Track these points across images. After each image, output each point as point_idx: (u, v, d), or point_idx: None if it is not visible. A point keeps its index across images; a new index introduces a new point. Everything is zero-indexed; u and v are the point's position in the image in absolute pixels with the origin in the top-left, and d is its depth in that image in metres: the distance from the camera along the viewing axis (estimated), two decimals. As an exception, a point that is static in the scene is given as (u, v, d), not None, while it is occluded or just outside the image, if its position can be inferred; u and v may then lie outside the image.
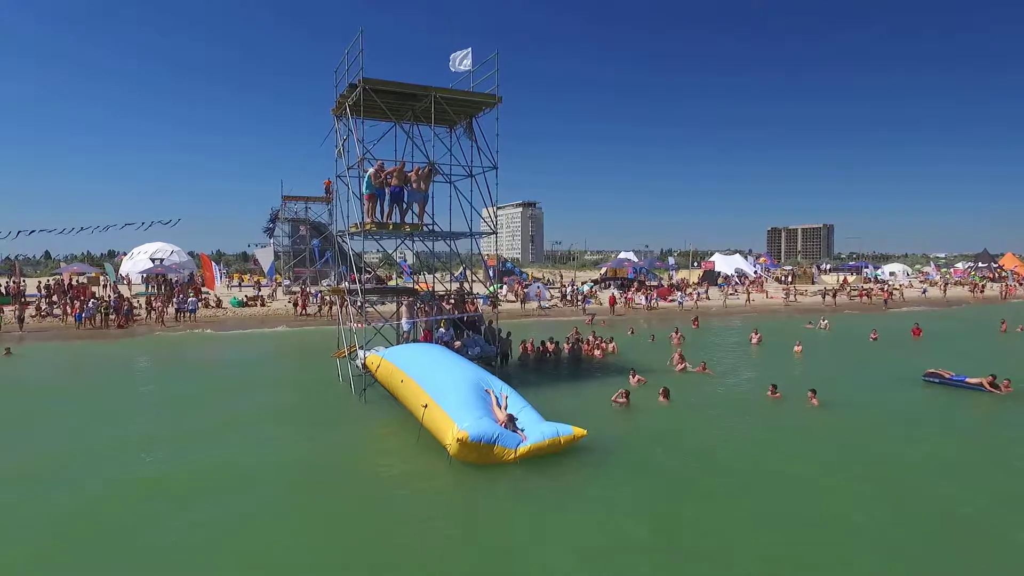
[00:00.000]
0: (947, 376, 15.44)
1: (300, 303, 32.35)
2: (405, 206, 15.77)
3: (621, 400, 13.51)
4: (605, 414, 12.85)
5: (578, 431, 9.89)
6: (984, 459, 10.33)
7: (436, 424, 10.19)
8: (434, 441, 10.37)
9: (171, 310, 30.12)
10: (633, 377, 15.73)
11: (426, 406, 10.59)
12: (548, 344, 19.33)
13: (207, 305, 32.48)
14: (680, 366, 17.68)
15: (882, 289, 46.77)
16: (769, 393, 14.32)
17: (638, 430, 11.78)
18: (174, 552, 7.14)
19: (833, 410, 13.09)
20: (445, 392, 10.67)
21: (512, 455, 9.30)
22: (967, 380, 15.01)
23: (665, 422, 12.42)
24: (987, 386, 14.59)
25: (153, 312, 29.01)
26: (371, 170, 14.94)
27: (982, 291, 50.31)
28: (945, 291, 49.71)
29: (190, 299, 31.10)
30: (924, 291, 48.77)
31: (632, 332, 25.10)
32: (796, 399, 13.89)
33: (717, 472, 9.52)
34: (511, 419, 9.97)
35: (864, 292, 45.46)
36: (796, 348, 21.42)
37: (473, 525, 8.01)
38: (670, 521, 7.87)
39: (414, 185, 15.53)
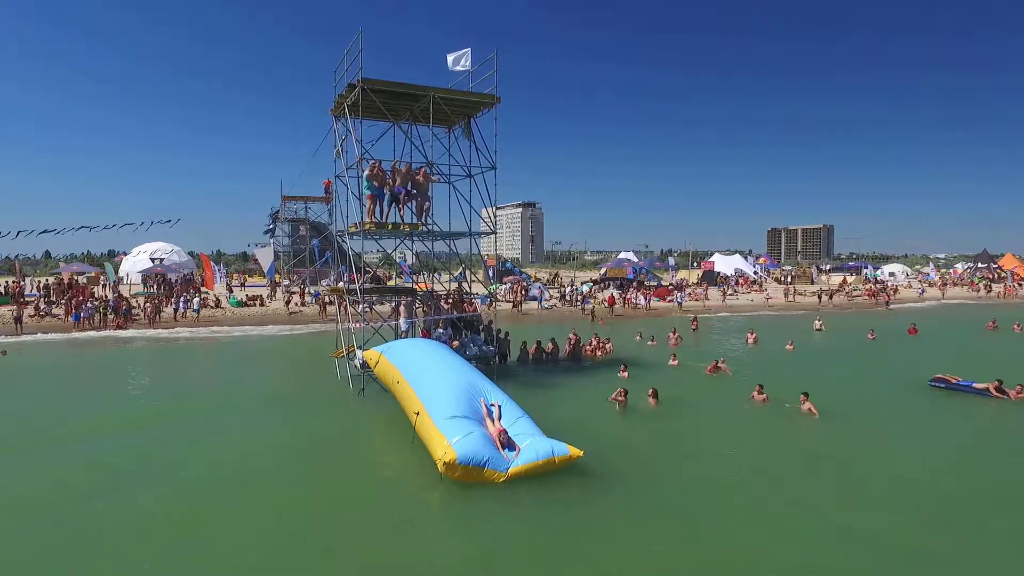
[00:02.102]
0: (953, 381, 15.05)
1: (290, 300, 32.68)
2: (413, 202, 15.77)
3: (620, 399, 13.38)
4: (601, 417, 12.74)
5: (574, 451, 9.38)
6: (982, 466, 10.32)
7: (427, 435, 9.95)
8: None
9: (169, 310, 30.14)
10: (623, 372, 16.19)
11: (418, 414, 10.39)
12: (548, 345, 19.36)
13: (206, 305, 32.48)
14: (674, 362, 18.31)
15: (883, 290, 46.75)
16: (755, 394, 13.96)
17: (629, 437, 11.55)
18: (161, 546, 7.18)
19: (832, 417, 12.69)
20: (438, 400, 10.40)
21: (502, 477, 8.96)
22: (974, 385, 14.60)
23: (654, 427, 12.27)
24: (993, 391, 14.12)
25: (148, 311, 28.91)
26: (366, 172, 14.96)
27: (989, 291, 50.24)
28: (944, 292, 49.70)
29: (195, 299, 31.25)
30: (921, 292, 48.68)
31: (641, 337, 24.34)
32: (787, 402, 13.46)
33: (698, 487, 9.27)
34: (504, 433, 9.69)
35: (871, 292, 45.60)
36: (788, 347, 21.51)
37: (453, 533, 7.83)
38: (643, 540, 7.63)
39: (412, 187, 15.54)
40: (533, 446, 9.41)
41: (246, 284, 44.78)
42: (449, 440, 9.26)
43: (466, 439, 9.21)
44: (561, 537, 7.54)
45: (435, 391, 10.75)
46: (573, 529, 7.73)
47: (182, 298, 31.33)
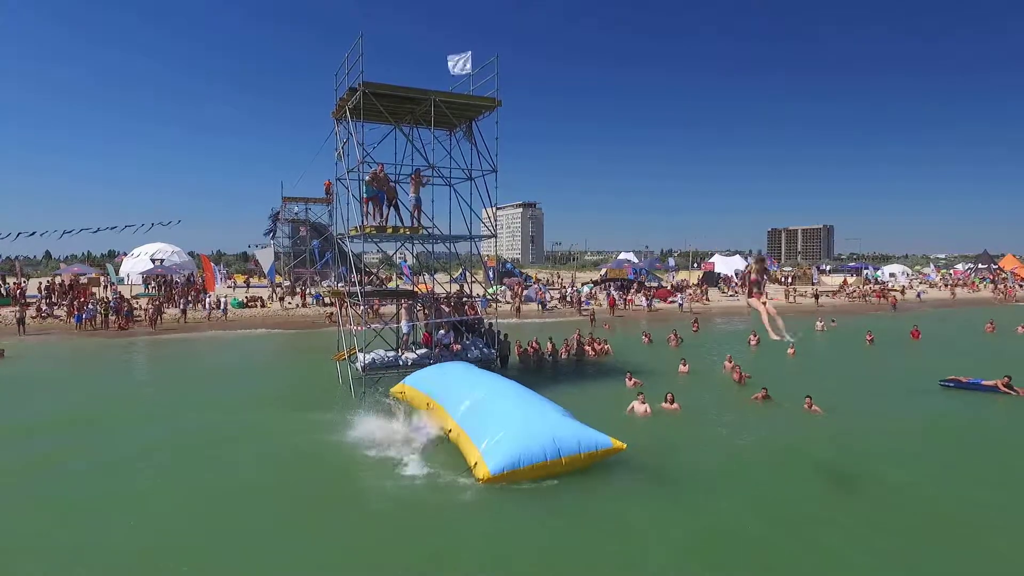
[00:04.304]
0: (964, 381, 15.36)
1: (283, 298, 33.99)
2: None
3: (641, 408, 13.04)
4: (614, 421, 12.51)
5: (617, 443, 9.48)
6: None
7: (463, 447, 10.04)
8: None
9: (171, 311, 30.19)
10: (630, 380, 15.87)
11: (451, 431, 10.52)
12: (548, 345, 19.42)
13: (206, 307, 32.52)
14: (684, 369, 17.79)
15: (890, 291, 46.82)
16: (760, 396, 14.14)
17: (652, 440, 11.50)
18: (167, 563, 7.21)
19: (840, 418, 12.86)
20: (469, 415, 10.46)
21: (546, 468, 8.91)
22: (983, 383, 14.89)
23: (678, 432, 12.22)
24: (1002, 388, 14.40)
25: (150, 312, 28.89)
26: (367, 178, 15.04)
27: (1006, 291, 49.80)
28: (954, 293, 49.52)
29: (221, 300, 31.93)
30: (919, 295, 48.04)
31: (648, 339, 24.36)
32: (793, 404, 13.69)
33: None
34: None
35: (880, 293, 45.73)
36: (789, 351, 21.45)
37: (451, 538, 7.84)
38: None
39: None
40: (574, 435, 9.37)
41: (250, 285, 44.24)
42: (479, 450, 9.27)
43: (496, 447, 9.15)
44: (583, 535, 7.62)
45: (465, 407, 10.79)
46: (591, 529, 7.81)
47: (208, 299, 31.82)
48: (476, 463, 9.07)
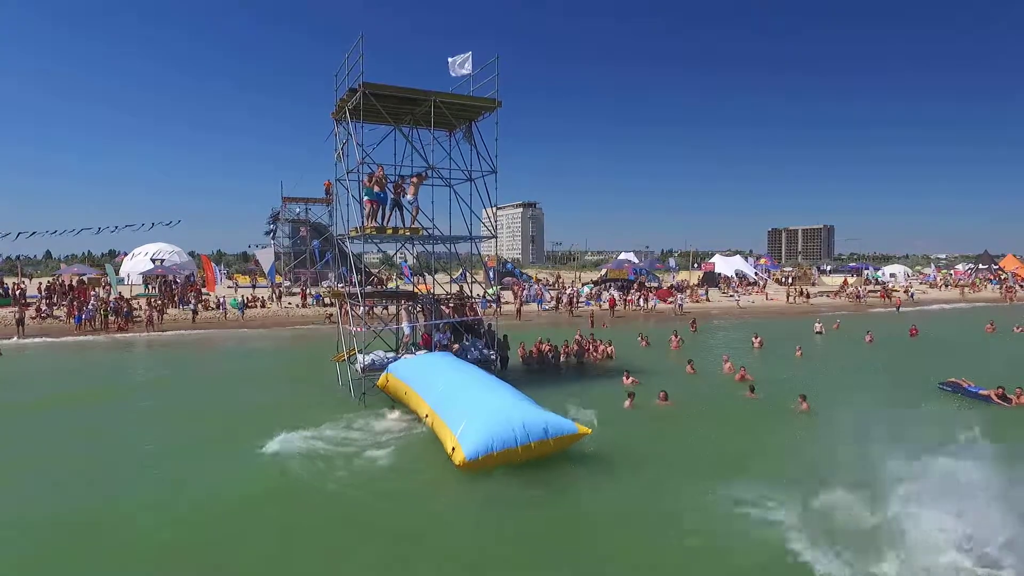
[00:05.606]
0: (964, 385, 14.98)
1: (281, 297, 34.41)
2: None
3: (629, 405, 13.56)
4: (611, 418, 12.75)
5: (583, 429, 10.09)
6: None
7: (439, 431, 10.61)
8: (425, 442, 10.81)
9: (171, 311, 30.18)
10: (627, 378, 16.07)
11: (427, 416, 11.07)
12: (546, 345, 19.39)
13: (207, 307, 32.52)
14: (691, 371, 17.88)
15: (895, 290, 46.88)
16: (750, 394, 14.63)
17: (640, 438, 11.67)
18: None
19: (828, 415, 12.87)
20: (443, 400, 11.12)
21: (517, 454, 9.34)
22: (980, 392, 14.49)
23: (665, 428, 12.49)
24: (995, 398, 13.88)
25: (148, 313, 28.84)
26: (365, 180, 15.06)
27: (1007, 292, 49.64)
28: (963, 292, 49.39)
29: (236, 300, 32.09)
30: (912, 295, 47.20)
31: (647, 343, 23.77)
32: (785, 401, 13.96)
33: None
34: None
35: (884, 293, 45.76)
36: (797, 352, 21.41)
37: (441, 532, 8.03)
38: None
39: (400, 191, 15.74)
40: (542, 421, 9.83)
41: (256, 285, 43.50)
42: (455, 434, 9.70)
43: (471, 432, 9.54)
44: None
45: (440, 392, 11.45)
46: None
47: (222, 300, 32.04)
48: (453, 448, 9.49)
